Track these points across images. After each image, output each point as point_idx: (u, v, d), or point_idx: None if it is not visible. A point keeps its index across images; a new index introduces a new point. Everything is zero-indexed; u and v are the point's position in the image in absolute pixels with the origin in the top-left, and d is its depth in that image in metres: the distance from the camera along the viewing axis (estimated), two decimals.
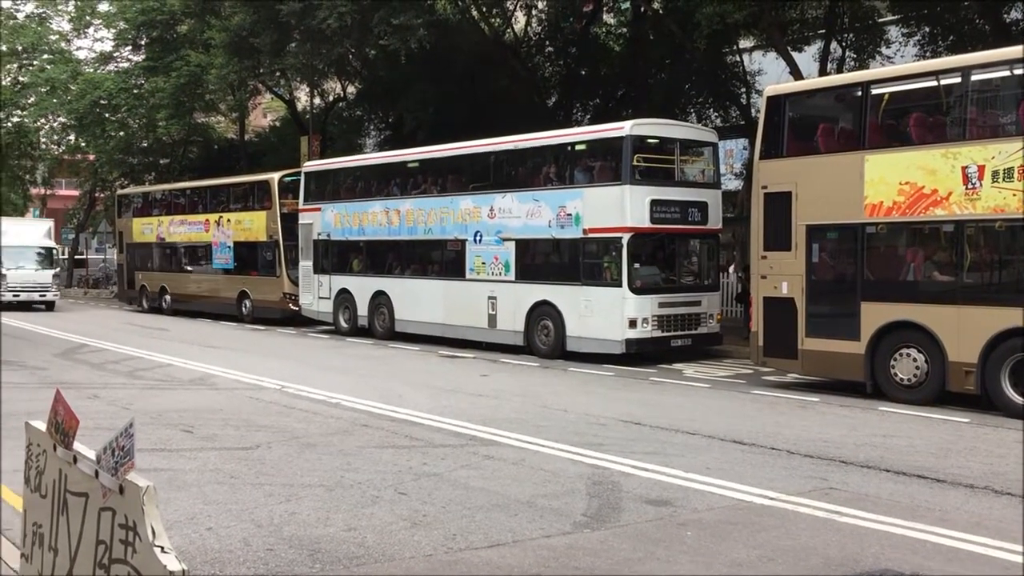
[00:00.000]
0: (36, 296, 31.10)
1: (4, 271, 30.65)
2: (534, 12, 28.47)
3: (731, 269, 22.66)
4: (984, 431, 10.36)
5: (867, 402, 12.08)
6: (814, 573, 5.49)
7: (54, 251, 33.52)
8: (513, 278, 17.95)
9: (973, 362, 11.31)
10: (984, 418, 11.00)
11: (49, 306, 31.35)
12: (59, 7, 42.82)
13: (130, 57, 39.22)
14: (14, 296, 30.66)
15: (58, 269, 32.66)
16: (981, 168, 11.22)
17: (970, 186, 11.32)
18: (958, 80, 11.93)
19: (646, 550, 5.90)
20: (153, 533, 2.82)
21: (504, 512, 6.68)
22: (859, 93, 12.94)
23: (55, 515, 3.55)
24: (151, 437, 9.27)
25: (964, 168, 11.38)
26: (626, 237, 15.93)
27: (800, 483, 7.69)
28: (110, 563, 3.06)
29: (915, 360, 11.96)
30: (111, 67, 40.09)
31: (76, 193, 51.10)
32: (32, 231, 33.67)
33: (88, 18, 40.85)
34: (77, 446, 3.46)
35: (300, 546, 5.85)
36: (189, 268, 29.17)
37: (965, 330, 11.41)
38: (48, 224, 35.47)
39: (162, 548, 2.78)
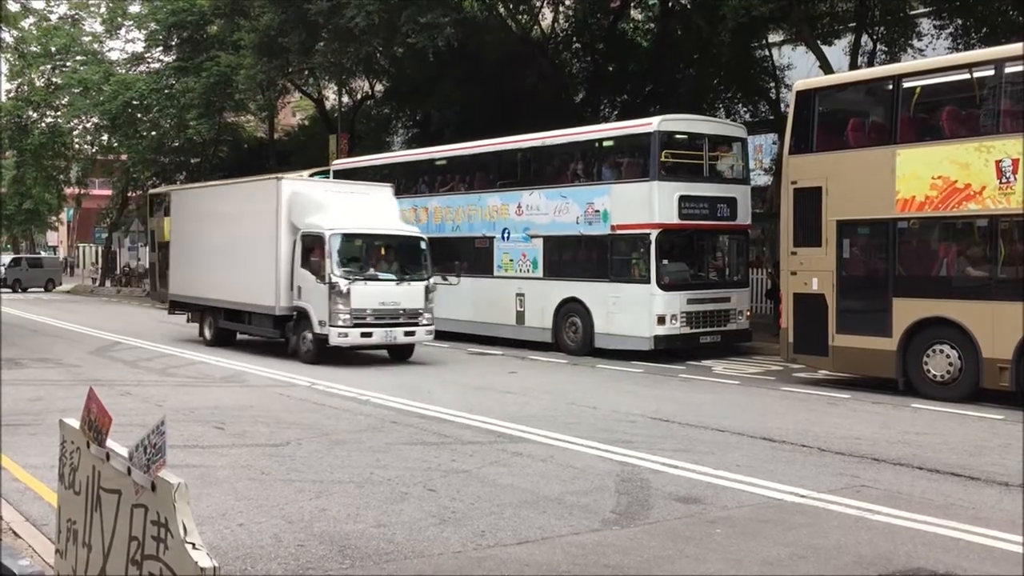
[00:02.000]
0: (399, 336, 15.92)
1: (345, 287, 15.24)
2: (561, 9, 28.39)
3: (768, 268, 22.32)
4: (1019, 428, 10.20)
5: (899, 399, 11.95)
6: (846, 572, 5.45)
7: (422, 245, 16.81)
8: (541, 275, 17.95)
9: (1008, 359, 11.16)
10: (1019, 415, 10.84)
11: (405, 354, 16.60)
12: (91, 9, 43.37)
13: (161, 58, 39.67)
14: (364, 335, 15.54)
15: (432, 281, 16.44)
16: (1015, 162, 11.07)
17: (1004, 180, 11.16)
18: (991, 72, 11.77)
19: (675, 548, 5.88)
20: (185, 530, 2.85)
21: (533, 509, 6.68)
22: (890, 87, 12.80)
23: (89, 512, 3.60)
24: (183, 434, 9.37)
25: (998, 162, 11.22)
26: (654, 233, 15.87)
27: (831, 481, 7.62)
28: (142, 559, 3.10)
29: (948, 357, 11.82)
30: (142, 68, 40.59)
31: (109, 192, 51.76)
32: (379, 199, 17.34)
33: (120, 20, 41.33)
34: (110, 443, 3.51)
35: (330, 542, 5.89)
36: None
37: (999, 326, 11.26)
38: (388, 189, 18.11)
39: (193, 545, 2.82)
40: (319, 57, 26.08)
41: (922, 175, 11.96)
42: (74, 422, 3.88)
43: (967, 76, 12.33)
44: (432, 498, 6.99)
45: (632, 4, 27.28)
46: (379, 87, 33.78)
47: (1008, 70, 11.62)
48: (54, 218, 60.15)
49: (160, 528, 2.98)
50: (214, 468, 7.92)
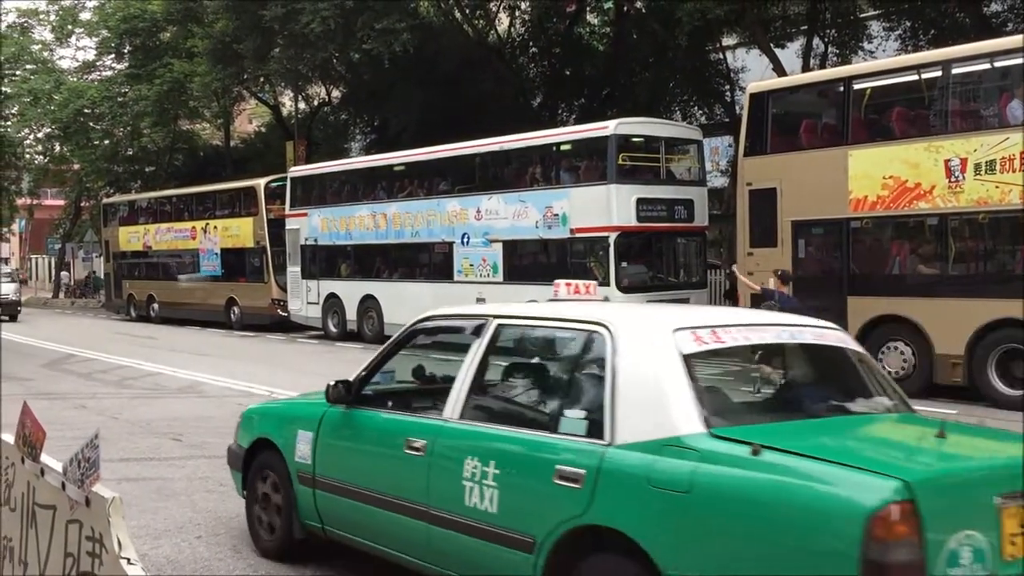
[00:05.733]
0: None
1: None
2: (517, 13, 28.51)
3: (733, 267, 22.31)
4: (971, 422, 10.40)
5: None
6: None
7: None
8: (501, 279, 17.95)
9: (960, 354, 11.38)
10: (971, 409, 11.06)
11: None
12: (41, 17, 42.67)
13: (113, 65, 39.11)
14: None
15: None
16: (964, 161, 11.30)
17: (953, 179, 11.39)
18: (939, 74, 12.01)
19: None
20: (119, 545, 2.81)
21: None
22: (841, 88, 13.00)
23: (24, 528, 3.54)
24: (140, 446, 9.23)
25: (947, 161, 11.45)
26: (613, 236, 15.96)
27: None
28: (78, 575, 3.05)
29: (903, 353, 12.02)
30: (94, 75, 39.97)
31: (62, 203, 50.91)
32: None
33: (70, 27, 40.68)
34: (44, 458, 3.45)
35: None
36: (177, 276, 29.08)
37: (951, 322, 11.48)
38: None
39: (128, 560, 2.77)
40: (275, 63, 25.91)
41: (874, 175, 12.16)
42: (9, 437, 3.81)
43: (916, 77, 12.58)
44: None
45: (588, 8, 27.45)
46: (336, 93, 33.63)
47: (955, 71, 11.86)
48: (6, 229, 59.05)
49: (95, 543, 2.94)
50: (172, 480, 7.81)
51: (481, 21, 27.93)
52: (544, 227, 17.04)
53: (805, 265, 13.19)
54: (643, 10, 23.99)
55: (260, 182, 25.51)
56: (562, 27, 27.49)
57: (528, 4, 27.36)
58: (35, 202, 51.74)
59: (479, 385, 4.61)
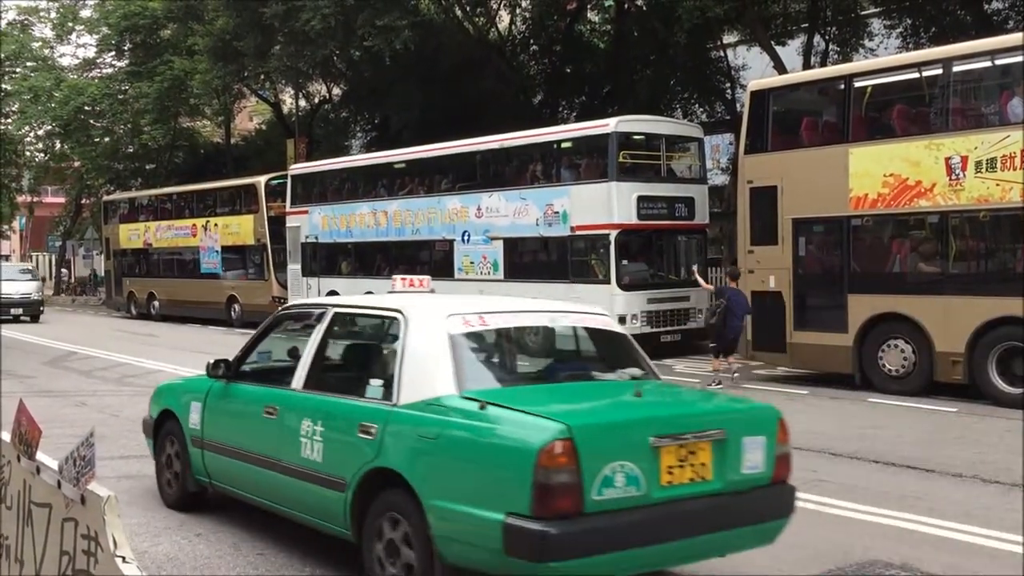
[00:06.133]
0: None
1: None
2: (518, 11, 28.48)
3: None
4: (972, 420, 10.42)
5: (856, 394, 12.12)
6: (804, 566, 5.51)
7: None
8: (502, 277, 17.95)
9: (960, 352, 11.36)
10: (972, 407, 11.06)
11: None
12: (41, 15, 42.63)
13: (113, 63, 39.10)
14: None
15: None
16: (964, 159, 11.28)
17: (954, 177, 11.37)
18: (940, 72, 11.99)
19: None
20: (115, 543, 2.81)
21: None
22: (842, 86, 12.98)
23: (20, 526, 3.54)
24: (140, 443, 9.16)
25: (947, 159, 11.43)
26: (613, 234, 15.95)
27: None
28: (74, 574, 3.05)
29: (903, 351, 12.01)
30: (95, 73, 39.95)
31: (62, 200, 50.89)
32: None
33: (70, 24, 40.64)
34: (40, 456, 3.45)
35: (291, 549, 5.84)
36: (177, 273, 29.08)
37: (952, 320, 11.46)
38: None
39: (123, 558, 2.78)
40: (275, 61, 25.90)
41: (874, 173, 12.14)
42: (5, 435, 3.81)
43: (917, 75, 12.56)
44: None
45: (588, 6, 27.43)
46: (337, 91, 33.61)
47: (956, 69, 11.84)
48: (6, 227, 59.03)
49: (90, 542, 2.94)
50: None
51: (482, 19, 27.91)
52: (545, 225, 17.03)
53: (806, 263, 13.17)
54: (644, 8, 23.96)
55: (261, 179, 25.51)
56: (563, 25, 27.46)
57: (529, 2, 27.33)
58: (35, 200, 51.75)
59: (317, 360, 5.70)
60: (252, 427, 5.92)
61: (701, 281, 15.30)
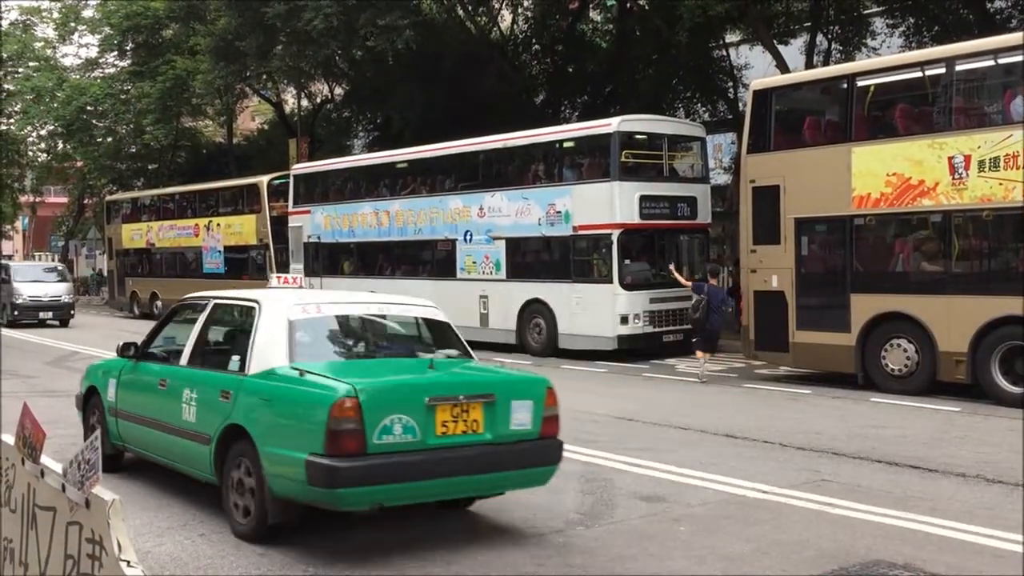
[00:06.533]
0: None
1: None
2: (520, 10, 28.45)
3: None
4: (975, 420, 10.40)
5: (859, 393, 12.11)
6: (807, 566, 5.51)
7: None
8: (504, 277, 17.95)
9: (963, 351, 11.35)
10: (975, 407, 11.05)
11: None
12: (43, 15, 42.67)
13: (116, 63, 39.12)
14: None
15: None
16: (967, 158, 11.27)
17: (957, 176, 11.36)
18: (943, 71, 11.98)
19: (640, 546, 5.90)
20: (119, 547, 2.81)
21: (497, 512, 6.67)
22: (845, 86, 12.97)
23: (25, 529, 3.54)
24: None
25: (950, 158, 11.42)
26: (616, 233, 15.94)
27: (793, 476, 7.71)
28: None
29: (905, 351, 12.00)
30: (97, 73, 39.98)
31: (65, 200, 50.92)
32: None
33: (73, 24, 40.68)
34: (44, 459, 3.45)
35: (293, 549, 5.84)
36: (180, 273, 29.10)
37: (955, 320, 11.45)
38: None
39: (128, 562, 2.77)
40: (277, 61, 25.90)
41: (877, 172, 12.13)
42: (9, 438, 3.81)
43: (919, 74, 12.54)
44: None
45: (591, 5, 27.41)
46: (339, 90, 33.61)
47: (959, 68, 11.83)
48: (9, 227, 59.10)
49: (95, 546, 2.93)
50: (174, 478, 7.80)
51: (484, 18, 27.89)
52: (547, 224, 17.03)
53: (808, 262, 13.17)
54: (646, 7, 23.92)
55: (263, 179, 25.52)
56: (565, 24, 27.44)
57: (531, 1, 27.31)
58: (38, 200, 51.81)
59: (199, 342, 6.99)
60: (150, 398, 7.18)
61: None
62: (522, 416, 5.86)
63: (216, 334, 7.21)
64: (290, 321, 6.21)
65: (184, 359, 6.91)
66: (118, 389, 7.57)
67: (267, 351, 6.09)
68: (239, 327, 6.86)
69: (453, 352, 6.76)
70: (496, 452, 5.77)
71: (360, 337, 6.92)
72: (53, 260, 37.57)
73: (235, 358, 6.39)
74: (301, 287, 7.65)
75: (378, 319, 7.00)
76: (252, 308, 6.52)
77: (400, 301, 7.22)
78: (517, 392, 5.98)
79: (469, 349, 6.83)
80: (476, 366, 6.69)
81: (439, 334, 6.99)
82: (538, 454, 6.02)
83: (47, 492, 3.36)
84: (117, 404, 7.56)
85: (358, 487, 5.34)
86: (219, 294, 7.54)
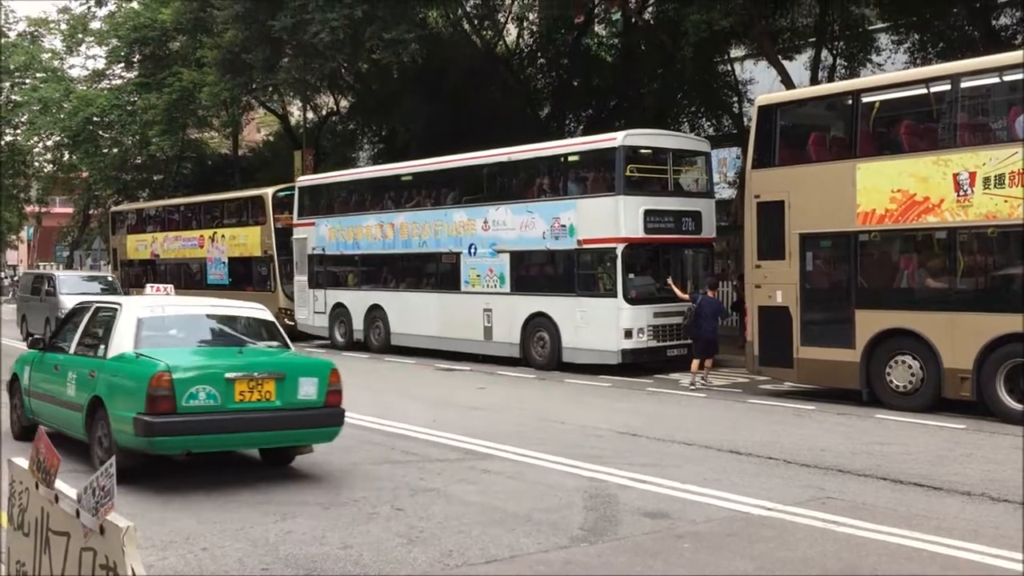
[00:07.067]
0: None
1: None
2: (525, 24, 28.57)
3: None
4: (980, 437, 10.36)
5: (863, 410, 12.07)
6: None
7: None
8: (508, 290, 17.95)
9: (968, 368, 11.31)
10: (980, 424, 11.00)
11: None
12: (51, 26, 42.90)
13: (123, 74, 39.33)
14: None
15: None
16: (972, 175, 11.25)
17: (962, 193, 11.35)
18: (948, 87, 11.98)
19: (643, 564, 5.88)
20: (133, 574, 2.81)
21: (501, 527, 6.66)
22: (850, 102, 12.98)
23: (38, 554, 3.54)
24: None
25: (955, 175, 11.40)
26: (620, 247, 15.94)
27: (797, 493, 7.68)
28: None
29: (910, 367, 11.97)
30: (104, 84, 40.18)
31: (70, 211, 51.06)
32: None
33: (80, 36, 40.91)
34: (59, 484, 3.45)
35: (296, 565, 5.82)
36: (184, 284, 29.10)
37: (960, 336, 11.42)
38: None
39: None
40: (283, 73, 25.97)
41: (882, 188, 12.12)
42: (23, 462, 3.82)
43: (924, 91, 12.55)
44: (399, 517, 6.95)
45: (596, 20, 27.50)
46: (344, 103, 33.71)
47: (964, 85, 11.83)
48: (14, 237, 59.30)
49: (109, 572, 2.93)
50: (177, 492, 7.81)
51: (489, 32, 28.00)
52: (551, 238, 17.03)
53: (813, 278, 13.14)
54: (651, 21, 24.01)
55: (268, 191, 25.56)
56: (570, 38, 27.53)
57: (536, 15, 27.41)
58: (43, 210, 52.00)
59: (83, 335, 9.00)
60: (49, 379, 9.17)
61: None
62: (308, 389, 7.90)
63: (94, 328, 8.99)
64: (139, 319, 8.33)
65: (71, 348, 8.98)
66: (31, 373, 9.66)
67: (120, 340, 8.16)
68: (107, 323, 8.62)
69: (274, 343, 8.83)
70: (285, 416, 7.82)
71: (194, 331, 8.74)
72: (101, 268, 35.28)
73: (101, 347, 8.38)
74: (168, 295, 9.48)
75: (213, 318, 9.05)
76: (116, 308, 8.61)
77: (233, 305, 9.66)
78: (305, 371, 8.00)
79: (288, 341, 8.99)
80: (280, 353, 8.61)
81: (264, 330, 8.99)
82: (322, 418, 8.05)
83: (61, 517, 3.37)
84: (29, 386, 9.66)
85: (169, 436, 7.47)
86: (101, 299, 10.17)
